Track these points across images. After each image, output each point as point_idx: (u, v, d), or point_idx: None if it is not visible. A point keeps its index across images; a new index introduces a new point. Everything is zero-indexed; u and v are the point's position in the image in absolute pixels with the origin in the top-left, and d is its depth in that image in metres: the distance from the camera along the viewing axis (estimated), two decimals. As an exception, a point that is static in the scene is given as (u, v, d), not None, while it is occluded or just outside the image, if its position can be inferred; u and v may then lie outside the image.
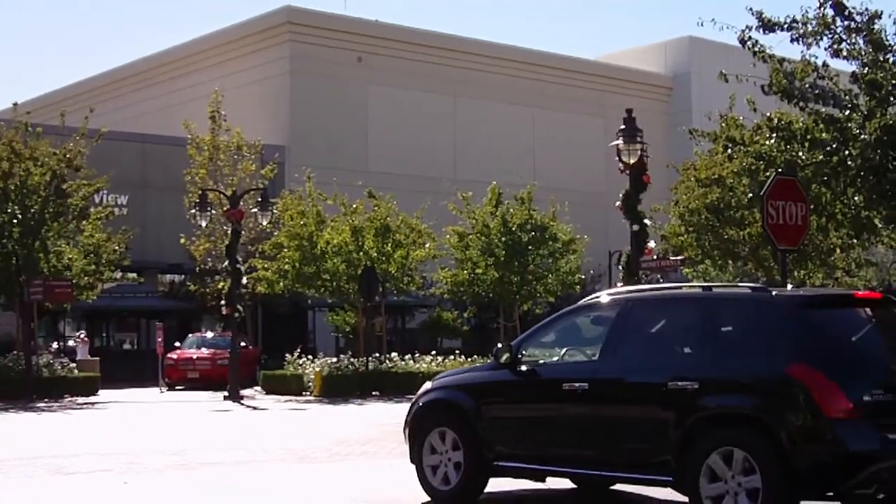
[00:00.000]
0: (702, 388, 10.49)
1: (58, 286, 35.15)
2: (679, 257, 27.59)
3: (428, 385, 13.34)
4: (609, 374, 11.34)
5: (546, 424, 11.88)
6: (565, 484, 13.12)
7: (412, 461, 12.95)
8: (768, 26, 16.91)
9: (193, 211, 39.21)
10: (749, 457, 10.02)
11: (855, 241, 23.42)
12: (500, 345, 12.66)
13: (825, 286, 36.69)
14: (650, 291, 12.25)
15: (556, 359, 12.26)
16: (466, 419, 12.34)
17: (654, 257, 25.82)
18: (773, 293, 11.03)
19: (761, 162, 18.94)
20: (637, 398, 11.18)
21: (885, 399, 10.05)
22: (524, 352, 12.20)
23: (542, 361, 12.21)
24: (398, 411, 21.30)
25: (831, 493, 10.03)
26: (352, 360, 36.75)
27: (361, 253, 38.07)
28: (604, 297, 12.32)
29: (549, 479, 12.36)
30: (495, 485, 12.74)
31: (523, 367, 12.06)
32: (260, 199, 37.69)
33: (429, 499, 12.66)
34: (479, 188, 42.94)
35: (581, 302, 12.88)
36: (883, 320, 11.10)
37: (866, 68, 16.61)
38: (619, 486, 12.71)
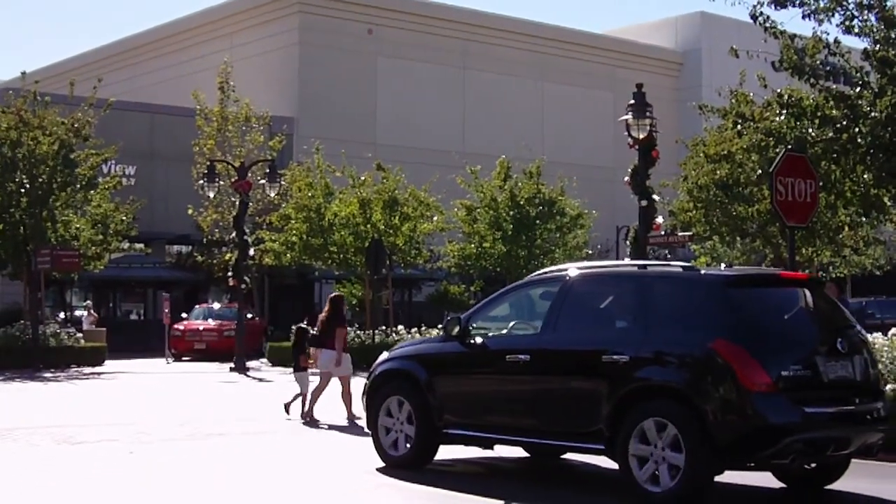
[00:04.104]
0: (633, 361, 11.04)
1: (65, 256, 35.21)
2: (687, 233, 27.55)
3: (385, 355, 14.07)
4: (549, 347, 11.93)
5: (491, 394, 12.52)
6: (518, 452, 13.73)
7: (368, 427, 13.77)
8: (780, 2, 16.80)
9: (201, 182, 39.24)
10: (674, 427, 10.56)
11: (863, 219, 23.34)
12: (449, 317, 13.29)
13: (832, 264, 36.72)
14: (591, 268, 12.69)
15: (504, 331, 12.80)
16: (418, 388, 12.99)
17: (662, 233, 25.81)
18: (702, 272, 11.64)
19: (771, 138, 18.85)
20: (574, 370, 11.72)
21: (804, 374, 10.65)
22: (474, 324, 12.79)
23: (490, 334, 12.76)
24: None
25: (752, 464, 10.69)
26: (358, 332, 36.78)
27: (369, 225, 38.03)
28: (549, 272, 13.01)
29: (500, 447, 12.99)
30: (455, 452, 13.43)
31: (471, 340, 12.67)
32: (268, 171, 37.74)
33: (383, 464, 13.27)
34: (487, 161, 42.87)
35: (529, 277, 13.63)
36: (807, 299, 11.63)
37: (878, 45, 16.51)
38: (569, 455, 13.24)
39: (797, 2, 16.70)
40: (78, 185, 36.10)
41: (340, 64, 58.06)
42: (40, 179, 34.96)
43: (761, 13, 16.87)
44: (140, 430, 17.10)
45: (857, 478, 12.10)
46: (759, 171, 24.10)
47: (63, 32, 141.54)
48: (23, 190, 34.93)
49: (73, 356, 36.00)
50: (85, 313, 44.90)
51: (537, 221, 40.35)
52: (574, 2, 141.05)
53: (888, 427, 11.41)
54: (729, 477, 11.51)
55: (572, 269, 12.58)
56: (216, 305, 47.10)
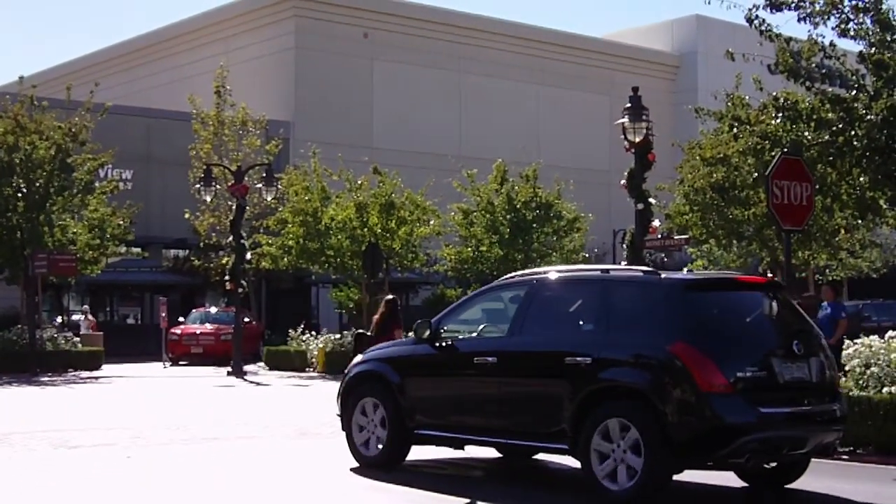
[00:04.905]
0: (595, 363, 11.29)
1: (62, 260, 35.20)
2: (683, 236, 27.56)
3: (359, 357, 14.42)
4: (515, 349, 12.24)
5: (460, 395, 12.81)
6: (490, 453, 13.98)
7: (343, 429, 13.97)
8: (775, 5, 16.83)
9: (198, 186, 39.23)
10: (633, 427, 10.84)
11: (860, 221, 23.40)
12: (420, 320, 13.47)
13: (829, 267, 36.76)
14: (556, 273, 12.92)
15: (474, 334, 13.04)
16: (391, 390, 13.29)
17: (659, 236, 25.80)
18: (662, 276, 11.91)
19: (767, 141, 18.92)
20: (538, 372, 12.01)
21: (760, 375, 10.94)
22: (445, 328, 13.11)
23: (461, 337, 13.04)
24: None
25: (710, 464, 11.00)
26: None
27: (366, 229, 38.05)
28: (517, 276, 13.35)
29: (471, 447, 13.20)
30: (431, 453, 13.70)
31: (441, 342, 12.98)
32: (265, 175, 37.75)
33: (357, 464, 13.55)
34: (483, 165, 42.89)
35: (497, 281, 13.90)
36: (765, 303, 11.99)
37: (873, 48, 16.53)
38: (541, 456, 13.48)
39: (793, 5, 16.73)
40: (75, 190, 36.10)
41: (336, 68, 58.08)
42: (37, 184, 34.96)
43: (757, 16, 16.89)
44: (137, 434, 17.08)
45: (817, 477, 12.39)
46: (755, 175, 24.13)
47: (60, 37, 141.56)
48: (20, 194, 34.92)
49: (70, 360, 35.98)
50: (83, 317, 44.88)
51: (534, 225, 40.38)
52: (570, 5, 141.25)
53: (846, 427, 11.80)
54: (693, 476, 11.78)
55: (539, 273, 13.04)
56: (213, 309, 47.07)
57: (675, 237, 27.27)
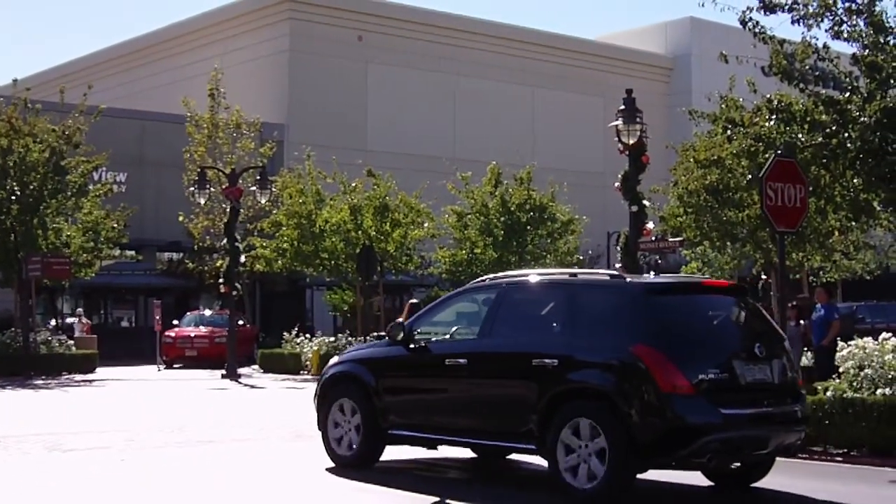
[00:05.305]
0: (561, 364, 11.55)
1: (56, 263, 35.17)
2: (678, 239, 27.57)
3: (335, 359, 14.70)
4: (484, 351, 12.51)
5: (432, 396, 13.04)
6: (466, 453, 14.23)
7: (319, 429, 14.17)
8: (769, 7, 16.84)
9: (192, 189, 39.24)
10: (598, 427, 11.09)
11: (853, 223, 23.40)
12: (393, 323, 13.84)
13: (823, 268, 36.77)
14: (525, 276, 13.25)
15: (447, 336, 13.30)
16: (365, 391, 13.53)
17: (653, 238, 25.81)
18: (627, 280, 12.36)
19: (760, 143, 18.92)
20: (507, 373, 12.26)
21: (721, 377, 11.11)
22: (419, 330, 13.39)
23: (434, 339, 13.30)
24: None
25: (674, 463, 11.25)
26: (349, 338, 36.74)
27: (360, 232, 38.06)
28: (489, 279, 13.61)
29: (446, 447, 13.46)
30: (412, 453, 14.00)
31: (414, 344, 13.26)
32: (259, 178, 37.74)
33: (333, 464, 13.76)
34: (478, 168, 42.91)
35: (469, 284, 14.20)
36: (727, 306, 12.25)
37: (867, 50, 16.55)
38: (516, 456, 13.62)
39: (786, 7, 16.75)
40: (69, 193, 36.09)
41: (331, 71, 58.09)
42: (31, 187, 34.93)
43: (750, 18, 16.92)
44: (131, 437, 17.06)
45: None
46: (749, 177, 24.11)
47: (54, 39, 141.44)
48: (14, 197, 34.89)
49: (64, 364, 35.94)
50: (77, 320, 44.84)
51: (528, 227, 40.39)
52: (564, 8, 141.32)
53: (808, 427, 12.08)
54: (660, 475, 12.04)
55: (509, 277, 13.42)
56: (207, 312, 47.06)
57: (670, 239, 27.30)
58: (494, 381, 12.39)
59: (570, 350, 11.60)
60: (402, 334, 13.28)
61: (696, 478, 12.47)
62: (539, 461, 12.84)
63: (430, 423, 12.97)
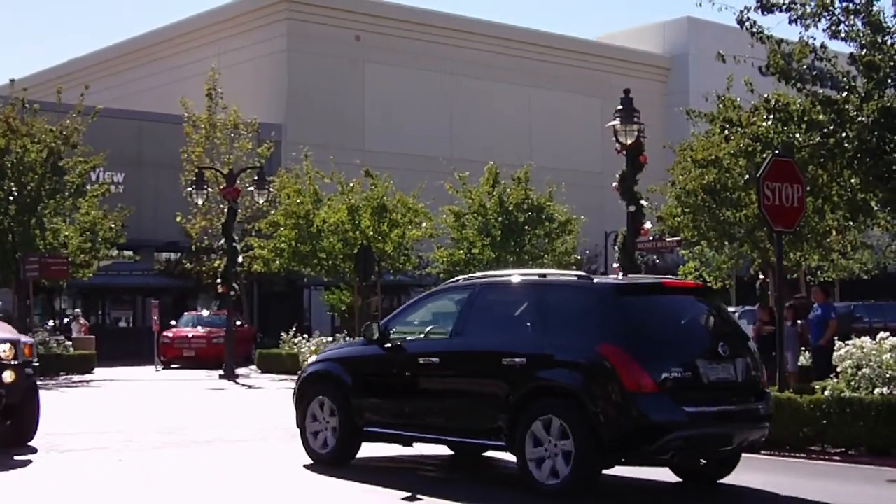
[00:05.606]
0: (529, 363, 11.82)
1: (54, 263, 35.13)
2: (675, 238, 27.59)
3: (313, 358, 15.03)
4: (456, 350, 12.80)
5: (407, 394, 13.27)
6: (442, 451, 14.46)
7: (297, 426, 14.49)
8: (767, 7, 16.85)
9: (190, 189, 39.22)
10: (565, 425, 11.34)
11: (851, 223, 23.40)
12: (368, 323, 14.18)
13: (820, 268, 36.80)
14: (496, 277, 13.58)
15: (421, 335, 13.53)
16: (342, 389, 13.83)
17: (651, 238, 25.83)
18: (594, 280, 12.62)
19: (758, 143, 18.92)
20: (477, 372, 12.54)
21: (685, 376, 11.34)
22: (394, 329, 13.67)
23: (409, 338, 13.51)
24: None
25: (639, 460, 11.56)
26: (347, 339, 36.71)
27: (358, 232, 38.04)
28: (463, 279, 13.91)
29: (420, 444, 13.74)
30: (395, 451, 14.20)
31: (389, 344, 13.51)
32: (256, 178, 37.74)
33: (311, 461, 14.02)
34: (475, 168, 42.89)
35: (443, 284, 14.56)
36: (693, 306, 12.52)
37: (864, 50, 16.56)
38: (490, 453, 13.83)
39: (784, 6, 16.75)
40: (66, 193, 36.09)
41: (328, 70, 58.08)
42: (29, 187, 34.94)
43: (748, 18, 16.92)
44: (129, 437, 17.05)
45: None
46: (747, 176, 24.14)
47: (51, 40, 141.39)
48: (11, 197, 34.89)
49: (62, 364, 35.90)
50: (74, 321, 44.81)
51: (526, 227, 40.36)
52: (561, 7, 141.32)
53: (771, 425, 12.25)
54: (626, 472, 12.33)
55: (482, 277, 13.72)
56: (205, 312, 47.05)
57: (667, 239, 27.33)
58: (466, 379, 12.69)
59: (538, 349, 11.86)
60: (377, 334, 13.53)
61: (664, 474, 12.63)
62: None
63: (405, 420, 13.21)
